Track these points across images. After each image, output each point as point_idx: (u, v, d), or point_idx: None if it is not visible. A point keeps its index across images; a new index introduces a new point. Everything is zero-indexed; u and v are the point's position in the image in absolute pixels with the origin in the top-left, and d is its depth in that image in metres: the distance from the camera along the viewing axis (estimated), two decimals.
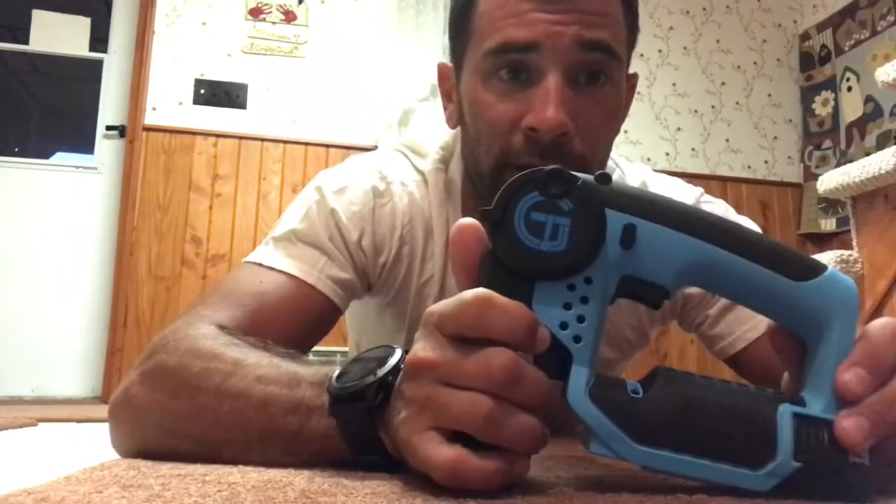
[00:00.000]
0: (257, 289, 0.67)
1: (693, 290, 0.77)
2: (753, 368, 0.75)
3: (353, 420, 0.42)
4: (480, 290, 0.37)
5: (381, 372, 0.42)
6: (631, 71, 0.71)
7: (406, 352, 0.42)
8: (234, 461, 0.48)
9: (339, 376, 0.44)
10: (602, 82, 0.64)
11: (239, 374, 0.51)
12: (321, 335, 0.72)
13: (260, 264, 0.70)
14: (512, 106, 0.64)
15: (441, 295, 0.76)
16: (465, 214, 0.75)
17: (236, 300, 0.65)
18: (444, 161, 0.78)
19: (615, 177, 0.77)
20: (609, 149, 0.71)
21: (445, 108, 0.75)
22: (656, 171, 0.84)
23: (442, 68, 0.75)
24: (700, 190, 0.83)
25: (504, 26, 0.63)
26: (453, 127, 0.75)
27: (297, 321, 0.67)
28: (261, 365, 0.51)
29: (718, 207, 0.80)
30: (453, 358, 0.37)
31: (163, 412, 0.53)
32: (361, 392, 0.41)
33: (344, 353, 1.47)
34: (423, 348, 0.38)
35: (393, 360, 0.42)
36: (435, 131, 0.81)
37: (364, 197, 0.75)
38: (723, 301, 0.76)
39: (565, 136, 0.61)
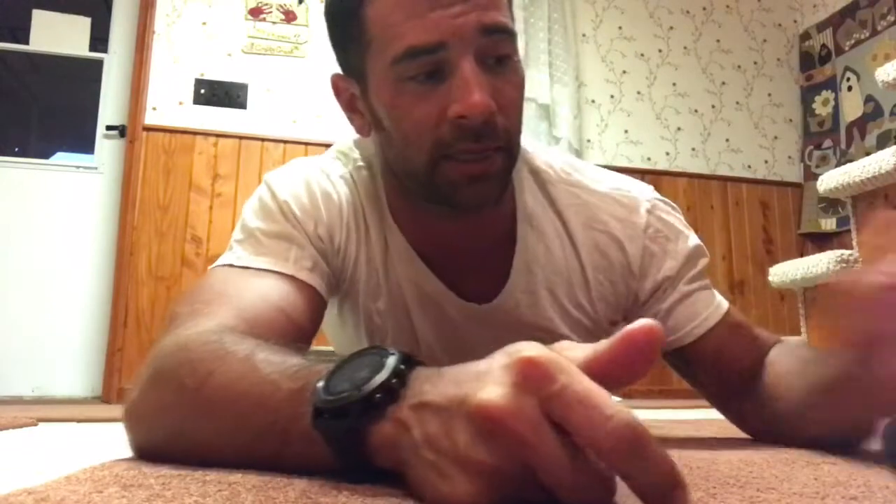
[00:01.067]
0: (242, 290, 0.66)
1: (646, 284, 0.79)
2: (699, 362, 0.78)
3: (336, 436, 0.39)
4: (636, 422, 0.30)
5: (368, 388, 0.37)
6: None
7: (404, 357, 0.39)
8: (238, 465, 0.46)
9: (326, 383, 0.40)
10: (506, 59, 0.67)
11: (218, 375, 0.49)
12: (314, 324, 0.72)
13: (231, 265, 0.70)
14: (432, 103, 0.65)
15: (390, 285, 0.77)
16: (392, 210, 0.77)
17: (225, 303, 0.64)
18: (365, 160, 0.80)
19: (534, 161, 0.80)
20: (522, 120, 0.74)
21: (351, 121, 0.76)
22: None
23: (336, 81, 0.75)
24: (649, 189, 0.83)
25: (406, 31, 0.64)
26: (367, 135, 0.76)
27: (288, 315, 0.66)
28: (247, 364, 0.49)
29: (669, 215, 0.81)
30: (558, 456, 0.31)
31: (165, 420, 0.52)
32: (344, 409, 0.38)
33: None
34: (512, 412, 0.31)
35: (383, 375, 0.38)
36: (349, 136, 0.83)
37: (309, 190, 0.76)
38: (674, 296, 0.78)
39: (491, 117, 0.64)
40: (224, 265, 0.70)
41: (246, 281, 0.68)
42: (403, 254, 0.77)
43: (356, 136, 0.80)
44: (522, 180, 0.79)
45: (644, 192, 0.82)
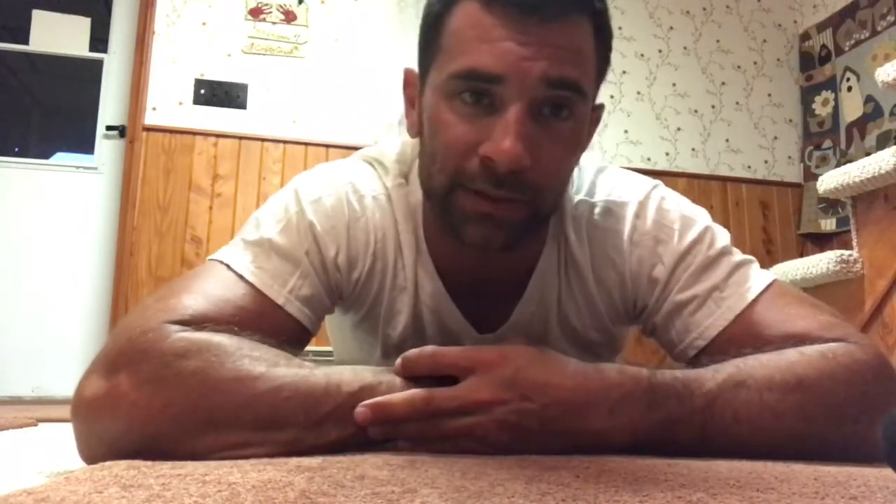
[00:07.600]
0: (227, 295, 0.65)
1: (641, 288, 0.75)
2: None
3: None
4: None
5: None
6: (607, 96, 0.73)
7: None
8: (293, 443, 0.52)
9: None
10: (565, 116, 0.64)
11: (283, 364, 0.56)
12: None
13: (228, 266, 0.68)
14: (471, 130, 0.63)
15: (414, 309, 0.76)
16: (425, 229, 0.75)
17: (206, 300, 0.63)
18: (404, 174, 0.78)
19: (577, 182, 0.78)
20: (568, 179, 0.72)
21: (407, 115, 0.75)
22: (656, 171, 0.84)
23: (408, 74, 0.74)
24: (643, 186, 0.80)
25: (473, 51, 0.62)
26: (414, 136, 0.74)
27: (263, 338, 0.64)
28: (294, 357, 0.58)
29: (660, 211, 0.77)
30: None
31: (189, 409, 0.53)
32: None
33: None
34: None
35: None
36: (393, 142, 0.81)
37: (339, 211, 0.74)
38: (666, 308, 0.74)
39: (519, 169, 0.62)
40: (223, 263, 0.68)
41: (239, 292, 0.66)
42: (431, 283, 0.76)
43: (398, 146, 0.79)
44: (566, 219, 0.77)
45: (636, 192, 0.78)
